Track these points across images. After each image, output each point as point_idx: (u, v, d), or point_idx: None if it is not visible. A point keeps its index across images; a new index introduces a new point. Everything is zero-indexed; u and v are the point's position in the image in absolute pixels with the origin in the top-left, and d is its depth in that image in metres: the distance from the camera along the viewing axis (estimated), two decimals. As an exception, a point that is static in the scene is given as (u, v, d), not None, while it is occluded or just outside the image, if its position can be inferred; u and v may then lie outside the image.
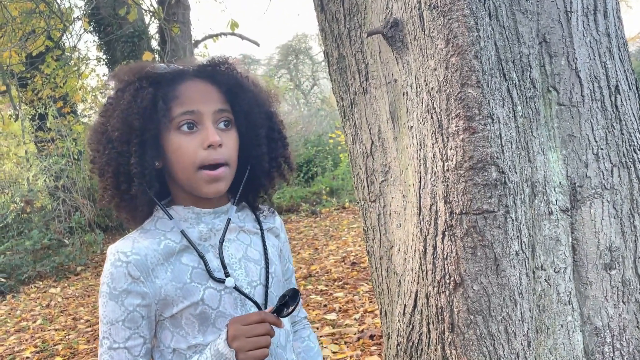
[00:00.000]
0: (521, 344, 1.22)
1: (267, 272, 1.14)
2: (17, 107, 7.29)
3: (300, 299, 1.10)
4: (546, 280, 1.29)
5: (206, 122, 1.06)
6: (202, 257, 1.07)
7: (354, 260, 5.67)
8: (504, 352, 1.22)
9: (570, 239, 1.32)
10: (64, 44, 8.36)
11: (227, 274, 1.08)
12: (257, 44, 11.66)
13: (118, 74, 1.11)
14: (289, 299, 1.06)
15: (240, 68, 1.15)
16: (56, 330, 4.95)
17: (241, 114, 1.12)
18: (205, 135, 1.05)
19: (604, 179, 1.34)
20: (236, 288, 1.08)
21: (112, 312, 1.04)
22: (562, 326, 1.30)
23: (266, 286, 1.13)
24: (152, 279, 1.04)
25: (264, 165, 1.16)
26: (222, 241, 1.10)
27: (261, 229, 1.20)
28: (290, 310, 1.06)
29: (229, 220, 1.12)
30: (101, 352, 1.06)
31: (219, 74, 1.11)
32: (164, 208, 1.10)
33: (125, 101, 1.05)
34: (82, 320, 5.14)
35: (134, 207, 1.08)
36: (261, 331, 1.01)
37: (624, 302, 1.32)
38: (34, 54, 7.71)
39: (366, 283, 4.80)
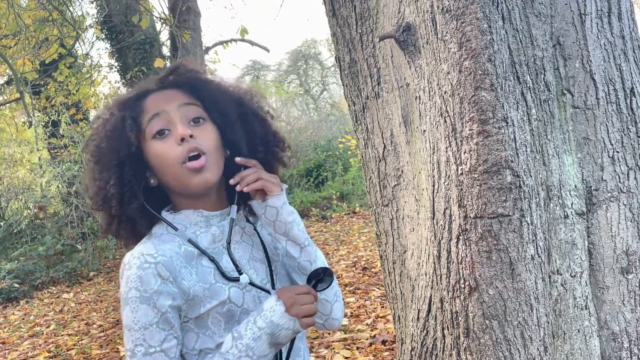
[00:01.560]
0: (537, 349, 1.21)
1: (271, 270, 1.17)
2: (31, 114, 7.38)
3: (334, 278, 1.14)
4: (562, 285, 1.28)
5: (174, 120, 1.10)
6: (212, 259, 1.10)
7: (365, 265, 5.66)
8: (520, 357, 1.20)
9: (586, 242, 1.31)
10: (76, 51, 8.46)
11: (240, 272, 1.11)
12: (267, 50, 11.68)
13: (99, 114, 1.20)
14: (324, 276, 1.11)
15: (196, 66, 1.19)
16: (69, 335, 4.98)
17: (212, 105, 1.15)
18: (176, 133, 1.09)
19: (620, 182, 1.32)
20: (251, 283, 1.11)
21: (145, 316, 1.02)
22: (578, 331, 1.28)
23: (272, 283, 1.16)
24: (179, 279, 1.05)
25: (243, 150, 1.16)
26: (229, 241, 1.13)
27: (255, 229, 1.23)
28: (325, 286, 1.11)
29: (232, 220, 1.15)
30: None
31: (179, 78, 1.16)
32: (167, 221, 1.12)
33: (98, 133, 1.13)
34: (95, 326, 5.17)
35: (131, 226, 1.13)
36: (310, 300, 1.07)
37: (641, 307, 1.31)
38: (47, 62, 7.81)
39: (377, 288, 4.78)
